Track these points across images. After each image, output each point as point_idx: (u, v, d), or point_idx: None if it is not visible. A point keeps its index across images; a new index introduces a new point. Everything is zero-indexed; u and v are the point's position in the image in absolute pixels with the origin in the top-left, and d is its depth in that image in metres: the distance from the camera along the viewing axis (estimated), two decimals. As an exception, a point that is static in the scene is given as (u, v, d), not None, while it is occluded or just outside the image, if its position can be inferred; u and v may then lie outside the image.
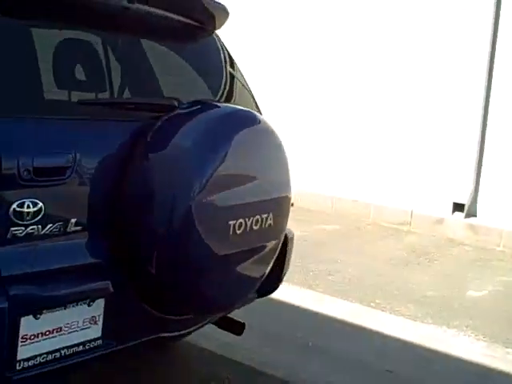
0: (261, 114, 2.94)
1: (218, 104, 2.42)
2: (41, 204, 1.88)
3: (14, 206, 1.83)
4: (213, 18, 2.74)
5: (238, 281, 2.41)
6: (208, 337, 3.48)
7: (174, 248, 2.10)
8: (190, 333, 3.22)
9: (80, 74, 2.26)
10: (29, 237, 1.88)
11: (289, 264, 3.07)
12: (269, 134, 2.44)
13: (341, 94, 7.51)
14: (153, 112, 2.23)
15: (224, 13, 2.76)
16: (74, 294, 2.02)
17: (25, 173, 1.84)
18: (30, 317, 1.90)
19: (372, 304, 4.56)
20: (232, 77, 2.94)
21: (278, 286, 3.07)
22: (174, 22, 2.61)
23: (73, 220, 1.99)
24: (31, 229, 1.88)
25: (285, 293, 4.58)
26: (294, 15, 7.89)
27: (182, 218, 2.09)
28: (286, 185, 2.55)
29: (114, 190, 2.09)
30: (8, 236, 1.83)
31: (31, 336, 1.91)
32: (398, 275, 5.31)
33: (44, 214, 1.90)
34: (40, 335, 1.94)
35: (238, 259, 2.34)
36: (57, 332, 1.99)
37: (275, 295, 4.44)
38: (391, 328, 4.12)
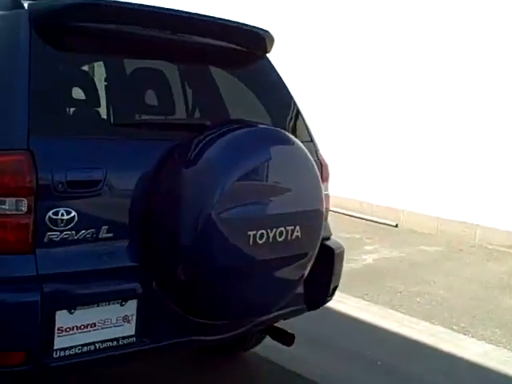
0: (309, 132, 3.06)
1: (245, 124, 2.56)
2: (74, 213, 2.16)
3: (50, 213, 2.11)
4: (259, 43, 2.93)
5: (264, 289, 2.53)
6: (278, 350, 3.64)
7: (196, 255, 2.29)
8: (246, 343, 3.39)
9: (121, 97, 2.55)
10: (64, 241, 2.16)
11: (337, 278, 3.12)
12: (295, 151, 2.56)
13: (445, 116, 7.34)
14: (186, 132, 2.46)
15: (269, 38, 2.94)
16: (106, 293, 2.26)
17: (59, 185, 2.12)
18: (65, 311, 2.16)
19: (455, 327, 4.42)
20: (283, 97, 3.10)
21: (326, 300, 3.12)
22: (222, 49, 2.85)
23: (104, 227, 2.25)
24: (65, 234, 2.15)
25: (364, 311, 4.61)
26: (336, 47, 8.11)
27: (202, 228, 2.27)
28: (315, 199, 2.64)
29: (144, 202, 2.32)
30: (45, 240, 2.12)
31: (66, 328, 2.17)
32: (490, 299, 5.07)
33: (77, 222, 2.17)
34: (75, 328, 2.19)
35: (262, 268, 2.47)
36: (91, 327, 2.24)
37: (353, 312, 4.53)
38: (468, 351, 3.98)
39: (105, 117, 2.56)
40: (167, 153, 2.36)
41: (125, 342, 2.33)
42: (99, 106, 2.53)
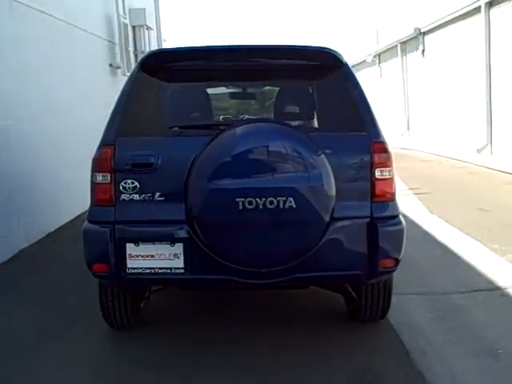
0: (366, 125, 3.57)
1: (256, 121, 3.43)
2: (137, 183, 3.48)
3: (122, 183, 3.49)
4: (328, 59, 3.76)
5: (265, 245, 3.30)
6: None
7: (203, 213, 3.31)
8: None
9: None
10: (131, 200, 3.48)
11: (384, 252, 3.50)
12: (288, 141, 3.28)
13: None
14: (216, 130, 3.50)
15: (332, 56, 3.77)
16: (159, 235, 3.47)
17: (127, 166, 3.48)
18: (132, 244, 3.48)
19: None
20: (351, 96, 3.69)
21: (378, 271, 3.54)
22: (297, 66, 3.75)
23: (158, 193, 3.47)
24: (132, 196, 3.48)
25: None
26: None
27: (205, 194, 3.28)
28: (311, 177, 3.25)
29: (185, 176, 3.43)
30: (120, 199, 3.50)
31: (134, 255, 3.49)
32: None
33: (139, 189, 3.47)
34: (140, 256, 3.48)
35: (257, 228, 3.26)
36: (151, 257, 3.48)
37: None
38: None
39: (164, 122, 3.81)
40: (201, 144, 3.43)
41: (176, 271, 3.49)
42: (163, 116, 3.81)
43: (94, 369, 3.66)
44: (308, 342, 3.90)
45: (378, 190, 3.52)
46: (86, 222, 3.61)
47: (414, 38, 17.68)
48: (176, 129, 3.74)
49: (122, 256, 3.50)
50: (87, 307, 4.37)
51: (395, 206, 3.60)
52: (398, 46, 19.24)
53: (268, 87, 4.10)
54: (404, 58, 19.17)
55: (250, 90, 4.13)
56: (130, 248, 3.50)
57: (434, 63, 16.34)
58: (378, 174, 3.52)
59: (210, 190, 3.27)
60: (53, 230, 7.32)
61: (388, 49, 20.63)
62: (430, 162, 14.55)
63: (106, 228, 3.51)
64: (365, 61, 23.29)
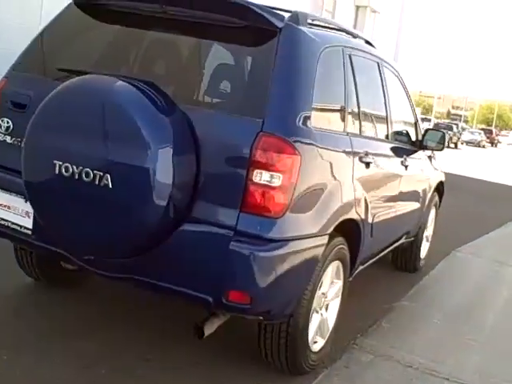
0: (263, 112, 2.66)
1: (113, 76, 2.73)
2: (11, 124, 3.08)
3: (-1, 120, 3.14)
4: (259, 20, 2.83)
5: (80, 224, 2.71)
6: None
7: (25, 168, 2.82)
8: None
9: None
10: (3, 142, 3.09)
11: (233, 280, 2.63)
12: (132, 107, 2.58)
13: None
14: None
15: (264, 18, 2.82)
16: (15, 185, 2.99)
17: (7, 103, 3.10)
18: None
19: None
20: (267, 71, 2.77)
21: (220, 302, 2.65)
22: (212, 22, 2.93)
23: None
24: (5, 137, 3.08)
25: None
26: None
27: (29, 147, 2.80)
28: (140, 156, 2.53)
29: None
30: None
31: None
32: None
33: (12, 130, 3.07)
34: None
35: (72, 201, 2.68)
36: (8, 208, 3.09)
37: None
38: None
39: (58, 62, 3.18)
40: None
41: (24, 231, 3.05)
42: (64, 56, 3.28)
43: None
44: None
45: (250, 198, 2.60)
46: None
47: None
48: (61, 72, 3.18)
49: None
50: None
51: (278, 227, 2.62)
52: None
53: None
54: None
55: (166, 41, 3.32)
56: None
57: None
58: (256, 176, 2.59)
59: (32, 143, 2.77)
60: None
61: None
62: None
63: None
64: None
